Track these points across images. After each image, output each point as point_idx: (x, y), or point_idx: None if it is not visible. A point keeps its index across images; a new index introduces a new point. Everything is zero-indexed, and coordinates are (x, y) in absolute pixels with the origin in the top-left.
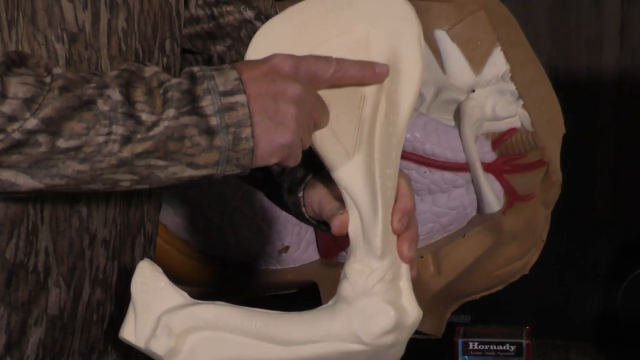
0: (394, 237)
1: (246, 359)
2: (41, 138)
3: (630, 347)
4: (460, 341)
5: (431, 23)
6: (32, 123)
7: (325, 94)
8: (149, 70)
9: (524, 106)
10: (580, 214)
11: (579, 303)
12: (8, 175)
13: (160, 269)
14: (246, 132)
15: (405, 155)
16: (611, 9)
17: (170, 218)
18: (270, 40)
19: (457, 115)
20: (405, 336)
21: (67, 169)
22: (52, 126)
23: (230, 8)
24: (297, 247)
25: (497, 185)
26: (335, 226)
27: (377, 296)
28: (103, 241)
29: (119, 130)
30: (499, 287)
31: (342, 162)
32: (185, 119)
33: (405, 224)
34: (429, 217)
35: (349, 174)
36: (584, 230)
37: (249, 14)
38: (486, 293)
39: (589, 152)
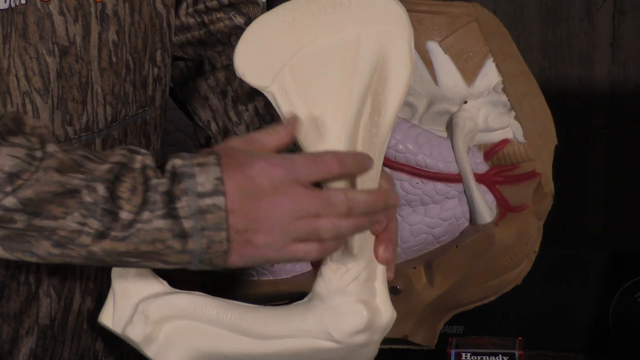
0: (372, 238)
1: (221, 349)
2: (17, 216)
3: (622, 357)
4: (452, 352)
5: (423, 34)
6: (11, 201)
7: (311, 90)
8: (140, 162)
9: (516, 117)
10: (572, 225)
11: (571, 314)
12: None
13: None
14: (221, 235)
15: (398, 167)
16: (603, 21)
17: None
18: (260, 37)
19: (450, 127)
20: (377, 337)
21: (39, 248)
22: (30, 207)
23: (220, 15)
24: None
25: (490, 197)
26: None
27: (351, 295)
28: None
29: (94, 224)
30: (492, 298)
31: None
32: (159, 223)
33: (383, 226)
34: (422, 228)
35: None
36: (576, 241)
37: (239, 20)
38: (479, 304)
39: (580, 164)
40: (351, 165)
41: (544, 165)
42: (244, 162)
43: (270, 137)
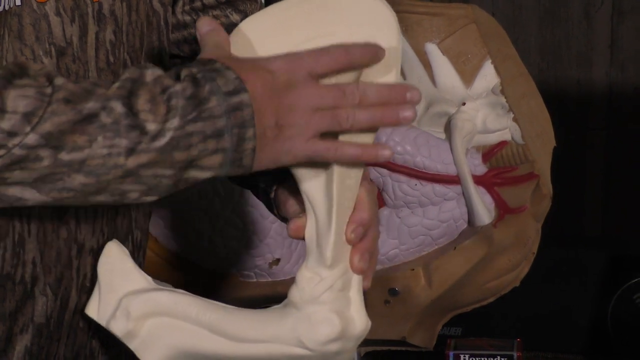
0: (348, 248)
1: (199, 349)
2: (43, 153)
3: (620, 359)
4: (451, 353)
5: (422, 36)
6: (32, 138)
7: None
8: (151, 74)
9: (515, 119)
10: (571, 227)
11: (570, 315)
12: (14, 191)
13: (127, 251)
14: (250, 132)
15: (396, 168)
16: (601, 22)
17: (161, 230)
18: (250, 37)
19: (448, 128)
20: (352, 345)
21: (73, 182)
22: (52, 141)
23: (217, 12)
24: (288, 259)
25: (488, 198)
26: (291, 229)
27: (324, 304)
28: (90, 250)
29: (122, 142)
30: (490, 300)
31: (305, 167)
32: (191, 127)
33: (359, 235)
34: (420, 230)
35: (310, 178)
36: (574, 243)
37: (236, 17)
38: (477, 305)
39: (579, 165)
40: (359, 54)
41: (543, 166)
42: (254, 62)
43: (218, 35)
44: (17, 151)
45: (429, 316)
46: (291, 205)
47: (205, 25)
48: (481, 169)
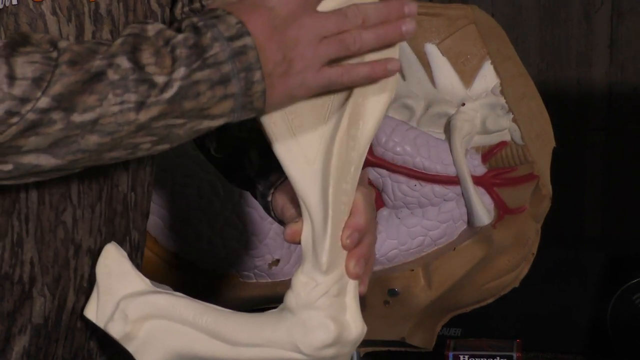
0: (344, 253)
1: (196, 351)
2: (55, 115)
3: (620, 359)
4: (450, 354)
5: (421, 37)
6: (44, 102)
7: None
8: (153, 29)
9: (514, 120)
10: (570, 227)
11: (569, 316)
12: (30, 159)
13: (125, 253)
14: (257, 75)
15: (396, 169)
16: (601, 23)
17: (161, 231)
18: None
19: (448, 129)
20: (347, 350)
21: (88, 143)
22: (64, 102)
23: None
24: (287, 260)
25: (488, 199)
26: (287, 234)
27: (320, 310)
28: (88, 250)
29: (132, 97)
30: (490, 300)
31: (301, 171)
32: (198, 75)
33: (355, 241)
34: (420, 231)
35: (307, 183)
36: (573, 243)
37: None
38: (477, 306)
39: (578, 165)
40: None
41: (542, 167)
42: (253, 3)
43: None
44: (31, 116)
45: (429, 317)
46: (288, 209)
47: None
48: (481, 170)
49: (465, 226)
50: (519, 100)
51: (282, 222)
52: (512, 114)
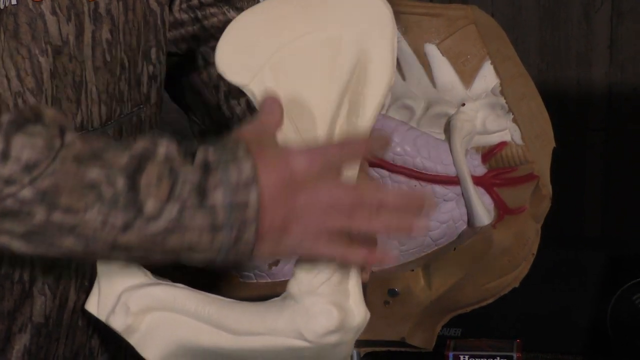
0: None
1: (199, 342)
2: (36, 209)
3: (619, 359)
4: (451, 354)
5: (421, 37)
6: (28, 193)
7: (292, 90)
8: (164, 150)
9: (514, 120)
10: (570, 227)
11: (570, 316)
12: (3, 239)
13: None
14: (251, 230)
15: (396, 169)
16: (601, 23)
17: None
18: (242, 33)
19: (448, 129)
20: (351, 337)
21: (62, 243)
22: (49, 198)
23: (214, 10)
24: (287, 260)
25: (488, 199)
26: None
27: (322, 296)
28: None
29: (118, 216)
30: (490, 300)
31: None
32: (188, 217)
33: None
34: None
35: None
36: (574, 243)
37: (233, 14)
38: (477, 306)
39: (578, 166)
40: (377, 148)
41: (542, 167)
42: (277, 155)
43: (272, 118)
44: (10, 202)
45: (429, 317)
46: None
47: (275, 104)
48: (480, 170)
49: (465, 226)
50: (519, 101)
51: None
52: (512, 114)
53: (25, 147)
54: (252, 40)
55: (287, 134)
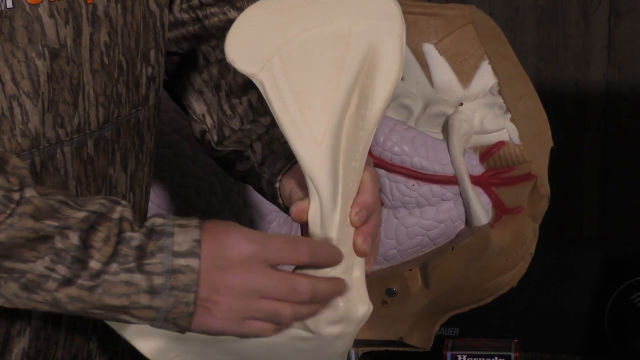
0: (352, 230)
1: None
2: None
3: (617, 359)
4: (448, 354)
5: (419, 37)
6: None
7: (300, 80)
8: (118, 213)
9: (512, 119)
10: (568, 227)
11: (567, 316)
12: None
13: None
14: (190, 297)
15: (394, 169)
16: (598, 24)
17: None
18: (253, 24)
19: (446, 129)
20: (353, 328)
21: (7, 289)
22: (1, 250)
23: (214, 9)
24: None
25: (486, 198)
26: (293, 212)
27: None
28: None
29: (62, 270)
30: (488, 300)
31: (309, 150)
32: (126, 277)
33: (363, 218)
34: (418, 230)
35: (315, 162)
36: (571, 244)
37: (234, 14)
38: (475, 306)
39: (576, 165)
40: (322, 258)
41: (540, 167)
42: (221, 230)
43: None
44: None
45: (427, 316)
46: (295, 193)
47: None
48: (478, 169)
49: (463, 226)
50: (516, 100)
51: (288, 210)
52: (510, 113)
53: None
54: (262, 31)
55: (296, 123)
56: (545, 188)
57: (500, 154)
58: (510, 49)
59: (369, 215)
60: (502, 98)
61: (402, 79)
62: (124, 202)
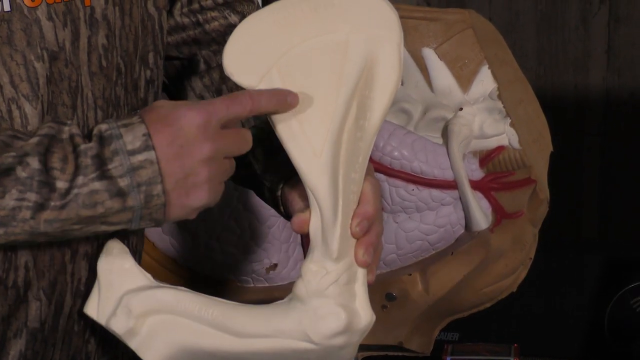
0: (353, 241)
1: (201, 345)
2: None
3: None
4: (448, 359)
5: (419, 41)
6: None
7: (298, 92)
8: (67, 132)
9: (512, 124)
10: (568, 231)
11: (567, 321)
12: None
13: (127, 249)
14: (157, 189)
15: (393, 173)
16: (598, 28)
17: (158, 236)
18: (250, 35)
19: (445, 133)
20: (356, 339)
21: None
22: None
23: (215, 14)
24: (285, 264)
25: (485, 203)
26: (295, 224)
27: (330, 298)
28: (85, 255)
29: (32, 197)
30: (487, 305)
31: (309, 162)
32: (95, 185)
33: (364, 229)
34: (417, 235)
35: (315, 173)
36: (571, 248)
37: (234, 18)
38: (474, 310)
39: (575, 170)
40: (265, 103)
41: (540, 171)
42: (167, 114)
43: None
44: None
45: (426, 321)
46: (297, 202)
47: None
48: (478, 174)
49: (462, 230)
50: (516, 105)
51: (289, 217)
52: (510, 118)
53: None
54: (260, 43)
55: (295, 135)
56: (544, 193)
57: (500, 159)
58: (510, 54)
59: (370, 226)
60: (502, 103)
61: (402, 83)
62: (69, 122)
